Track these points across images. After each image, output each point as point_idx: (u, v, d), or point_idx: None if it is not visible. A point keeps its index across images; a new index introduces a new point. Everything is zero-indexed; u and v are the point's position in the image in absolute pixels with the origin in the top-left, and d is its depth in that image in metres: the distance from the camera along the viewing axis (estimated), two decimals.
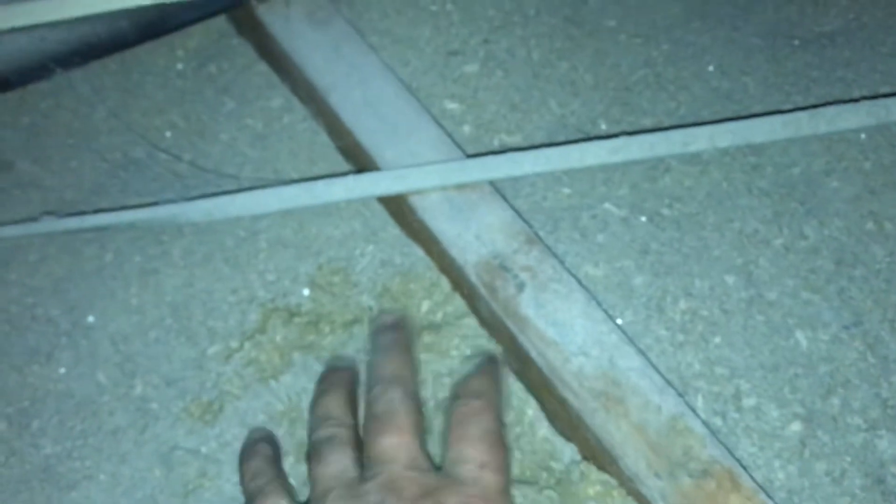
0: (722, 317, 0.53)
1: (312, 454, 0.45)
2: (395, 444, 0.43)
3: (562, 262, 0.52)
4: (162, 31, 0.65)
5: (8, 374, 0.55)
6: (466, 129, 0.62)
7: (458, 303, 0.55)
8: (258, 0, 0.64)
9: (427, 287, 0.56)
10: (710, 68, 0.64)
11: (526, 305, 0.50)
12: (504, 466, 0.44)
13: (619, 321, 0.51)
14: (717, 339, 0.52)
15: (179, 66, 0.69)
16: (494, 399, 0.47)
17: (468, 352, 0.53)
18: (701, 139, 0.53)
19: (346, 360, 0.53)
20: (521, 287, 0.50)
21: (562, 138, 0.62)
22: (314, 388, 0.50)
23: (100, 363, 0.55)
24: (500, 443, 0.44)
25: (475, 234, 0.53)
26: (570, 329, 0.49)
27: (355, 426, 0.47)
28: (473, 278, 0.51)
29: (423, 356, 0.53)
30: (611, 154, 0.53)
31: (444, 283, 0.56)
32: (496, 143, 0.62)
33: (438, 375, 0.53)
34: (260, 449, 0.48)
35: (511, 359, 0.51)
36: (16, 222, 0.60)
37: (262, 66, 0.68)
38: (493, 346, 0.53)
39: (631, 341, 0.49)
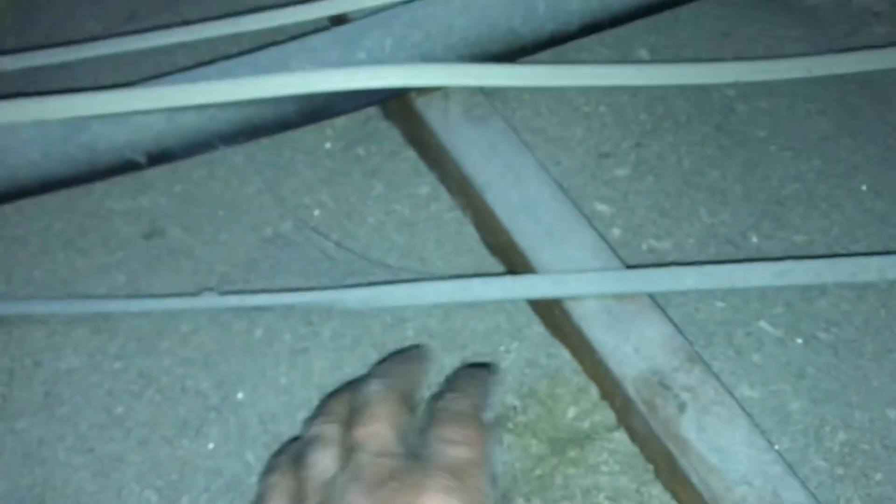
0: (883, 452, 0.52)
1: (297, 457, 0.45)
2: (364, 433, 0.43)
3: (721, 383, 0.51)
4: (323, 116, 0.67)
5: (159, 445, 0.56)
6: (616, 232, 0.63)
7: (607, 413, 0.55)
8: (417, 92, 0.65)
9: (574, 392, 0.56)
10: (864, 188, 0.64)
11: (687, 428, 0.50)
12: (478, 442, 0.43)
13: (776, 448, 0.51)
14: (879, 476, 0.51)
15: (328, 145, 0.71)
16: (473, 391, 0.47)
17: (617, 467, 0.53)
18: (870, 270, 0.53)
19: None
20: (682, 408, 0.50)
21: (712, 248, 0.62)
22: None
23: (248, 441, 0.56)
24: (474, 423, 0.44)
25: (634, 347, 0.53)
26: (732, 456, 0.48)
27: None
28: (632, 393, 0.51)
29: (570, 470, 0.53)
30: (776, 277, 0.53)
31: (593, 391, 0.56)
32: (644, 248, 0.62)
33: (587, 491, 0.52)
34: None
35: (666, 478, 0.51)
36: (174, 295, 0.61)
37: (410, 153, 0.69)
38: (646, 464, 0.53)
39: (794, 473, 0.48)
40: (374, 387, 0.46)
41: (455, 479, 0.41)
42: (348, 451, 0.44)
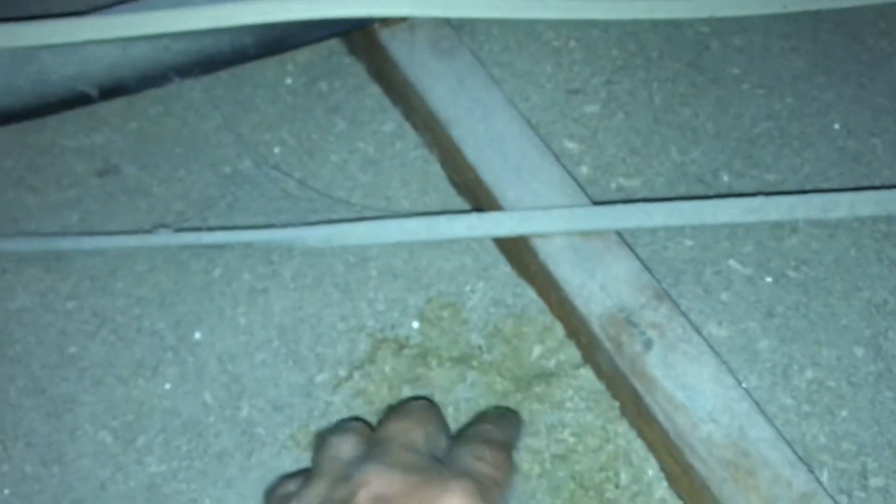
0: (849, 390, 0.52)
1: (318, 443, 0.44)
2: (396, 427, 0.42)
3: (689, 321, 0.51)
4: (283, 48, 0.64)
5: (114, 385, 0.55)
6: (584, 169, 0.61)
7: (573, 351, 0.54)
8: (381, 24, 0.63)
9: (540, 331, 0.55)
10: (836, 126, 0.63)
11: (653, 365, 0.49)
12: (503, 468, 0.42)
13: (743, 386, 0.50)
14: (844, 413, 0.51)
15: (289, 80, 0.69)
16: (505, 428, 0.46)
17: (583, 404, 0.52)
18: (841, 206, 0.52)
19: None
20: (648, 345, 0.49)
21: (682, 187, 0.60)
22: None
23: (206, 382, 0.55)
24: (503, 451, 0.43)
25: (600, 285, 0.52)
26: (699, 393, 0.48)
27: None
28: (597, 330, 0.50)
29: (535, 406, 0.52)
30: (746, 213, 0.52)
31: (559, 329, 0.55)
32: (613, 186, 0.61)
33: (552, 427, 0.51)
34: None
35: (632, 415, 0.50)
36: (128, 232, 0.59)
37: (374, 89, 0.67)
38: (612, 401, 0.52)
39: (762, 411, 0.47)
40: (422, 402, 0.46)
41: (477, 490, 0.39)
42: (377, 442, 0.42)
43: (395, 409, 0.46)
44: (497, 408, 0.52)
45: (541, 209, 0.54)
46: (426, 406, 0.46)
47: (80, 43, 0.60)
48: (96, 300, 0.58)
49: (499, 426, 0.46)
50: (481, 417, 0.49)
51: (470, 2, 0.61)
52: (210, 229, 0.58)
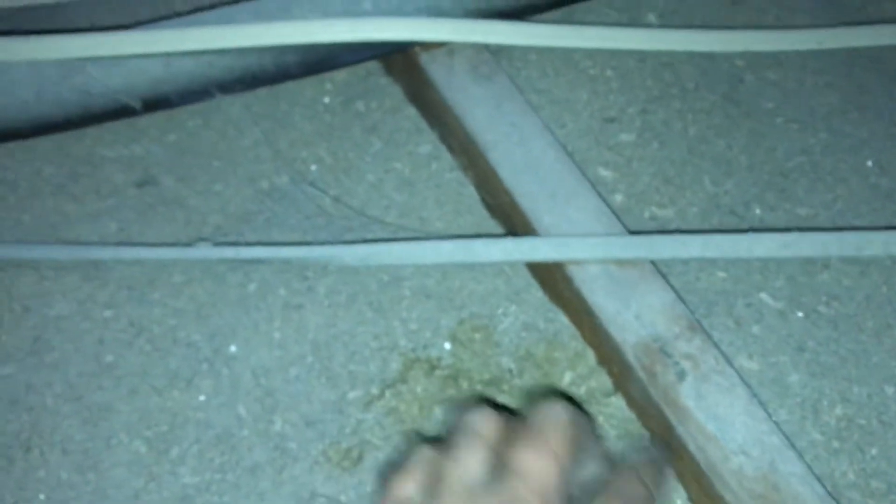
0: (880, 428, 0.52)
1: (442, 441, 0.38)
2: (528, 461, 0.36)
3: (721, 352, 0.51)
4: (324, 68, 0.65)
5: (149, 395, 0.55)
6: (618, 197, 0.62)
7: (604, 379, 0.55)
8: (421, 47, 0.64)
9: (571, 357, 0.56)
10: (869, 163, 0.64)
11: (686, 396, 0.49)
12: None
13: (773, 419, 0.50)
14: (874, 451, 0.51)
15: (326, 99, 0.70)
16: (651, 480, 0.41)
17: (613, 432, 0.53)
18: (875, 244, 0.53)
19: None
20: (681, 375, 0.50)
21: (715, 218, 0.61)
22: None
23: (240, 395, 0.55)
24: None
25: (635, 314, 0.52)
26: (731, 425, 0.48)
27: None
28: (631, 359, 0.51)
29: None
30: (781, 248, 0.52)
31: (590, 356, 0.55)
32: (646, 215, 0.61)
33: None
34: None
35: (663, 445, 0.51)
36: (167, 244, 0.60)
37: (411, 111, 0.68)
38: (642, 429, 0.52)
39: (792, 445, 0.48)
40: (557, 409, 0.38)
41: None
42: (503, 468, 0.36)
43: (531, 422, 0.38)
44: (646, 447, 0.48)
45: (577, 236, 0.54)
46: (566, 426, 0.38)
47: (126, 56, 0.61)
48: (134, 310, 0.58)
49: (643, 476, 0.41)
50: (626, 460, 0.42)
51: (509, 29, 0.62)
52: (248, 244, 0.58)
